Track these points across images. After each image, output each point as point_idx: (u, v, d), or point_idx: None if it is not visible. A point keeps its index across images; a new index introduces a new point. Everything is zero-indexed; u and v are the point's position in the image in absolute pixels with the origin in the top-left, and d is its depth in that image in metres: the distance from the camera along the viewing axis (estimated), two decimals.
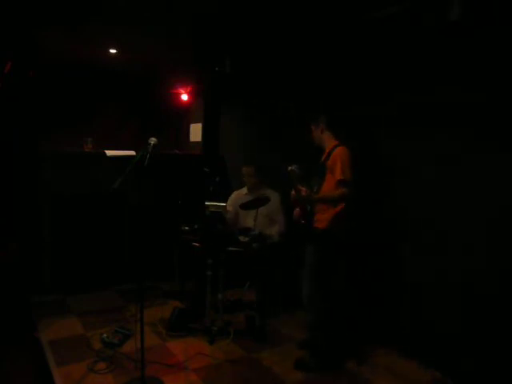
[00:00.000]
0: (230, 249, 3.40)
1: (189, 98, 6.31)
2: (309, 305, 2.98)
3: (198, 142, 6.04)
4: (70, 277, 4.23)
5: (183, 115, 6.51)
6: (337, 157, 2.82)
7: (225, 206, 3.43)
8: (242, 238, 3.49)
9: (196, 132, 6.14)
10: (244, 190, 4.03)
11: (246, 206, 3.42)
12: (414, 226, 3.07)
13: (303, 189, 2.84)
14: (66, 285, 4.17)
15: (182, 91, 6.31)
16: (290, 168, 2.80)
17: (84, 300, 4.03)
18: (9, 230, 3.89)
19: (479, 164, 2.67)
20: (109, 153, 4.23)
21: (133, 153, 3.99)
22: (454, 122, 2.81)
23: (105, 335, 3.18)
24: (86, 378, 2.71)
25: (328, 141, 2.98)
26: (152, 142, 2.57)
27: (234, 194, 4.10)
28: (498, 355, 2.56)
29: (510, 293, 2.51)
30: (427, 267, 2.97)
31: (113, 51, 4.75)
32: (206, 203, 3.39)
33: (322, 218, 2.88)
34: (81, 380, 2.68)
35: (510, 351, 2.49)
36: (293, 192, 2.86)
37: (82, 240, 4.31)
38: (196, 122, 6.13)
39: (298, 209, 2.97)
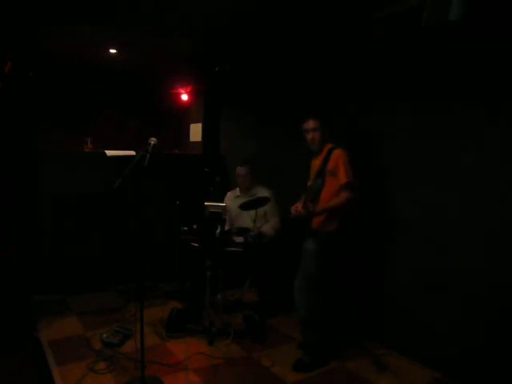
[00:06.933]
0: (229, 249, 3.40)
1: (189, 98, 6.31)
2: (300, 302, 2.95)
3: (197, 142, 6.04)
4: (70, 277, 4.23)
5: (183, 115, 6.51)
6: (339, 160, 2.79)
7: (224, 207, 3.43)
8: (238, 239, 3.48)
9: (196, 132, 6.14)
10: (236, 192, 4.02)
11: (246, 207, 3.41)
12: (414, 225, 3.07)
13: (310, 204, 2.80)
14: (66, 285, 4.17)
15: (182, 91, 6.31)
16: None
17: (84, 300, 4.03)
18: (9, 230, 3.89)
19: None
20: (109, 153, 4.22)
21: (133, 153, 3.98)
22: (453, 122, 2.82)
23: (105, 335, 3.18)
24: (86, 378, 2.71)
25: (324, 144, 2.96)
26: (152, 142, 2.57)
27: (228, 195, 4.10)
28: (498, 355, 2.56)
29: (509, 293, 2.51)
30: (427, 267, 2.97)
31: (113, 51, 4.75)
32: (206, 203, 3.38)
33: (319, 219, 2.86)
34: (81, 380, 2.68)
35: (510, 351, 2.49)
36: (300, 209, 2.80)
37: (82, 240, 4.32)
38: (196, 122, 6.13)
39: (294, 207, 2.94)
